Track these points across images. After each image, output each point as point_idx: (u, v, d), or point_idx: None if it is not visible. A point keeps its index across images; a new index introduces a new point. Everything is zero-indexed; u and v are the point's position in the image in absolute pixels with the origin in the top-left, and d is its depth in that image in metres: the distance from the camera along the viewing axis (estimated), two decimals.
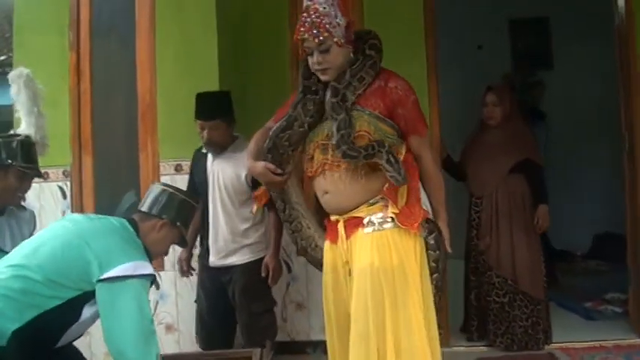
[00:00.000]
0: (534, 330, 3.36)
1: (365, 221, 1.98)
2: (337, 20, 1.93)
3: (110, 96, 3.54)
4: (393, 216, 1.96)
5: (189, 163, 3.21)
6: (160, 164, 3.31)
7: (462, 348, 3.46)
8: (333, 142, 1.96)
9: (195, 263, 3.06)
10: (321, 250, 2.15)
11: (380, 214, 1.97)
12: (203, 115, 2.80)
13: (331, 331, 2.11)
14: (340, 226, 2.02)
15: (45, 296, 1.81)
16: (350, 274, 2.02)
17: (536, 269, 3.39)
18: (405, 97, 1.99)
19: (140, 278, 1.86)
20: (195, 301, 3.05)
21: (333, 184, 2.01)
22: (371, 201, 1.99)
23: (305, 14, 1.95)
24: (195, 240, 3.02)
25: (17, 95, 2.42)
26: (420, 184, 2.07)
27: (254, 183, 2.69)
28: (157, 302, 3.32)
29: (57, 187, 3.40)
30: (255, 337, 2.76)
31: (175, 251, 3.10)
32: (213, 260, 2.88)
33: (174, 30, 3.33)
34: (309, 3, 1.96)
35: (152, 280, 1.94)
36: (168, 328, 3.33)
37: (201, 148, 2.97)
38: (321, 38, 1.92)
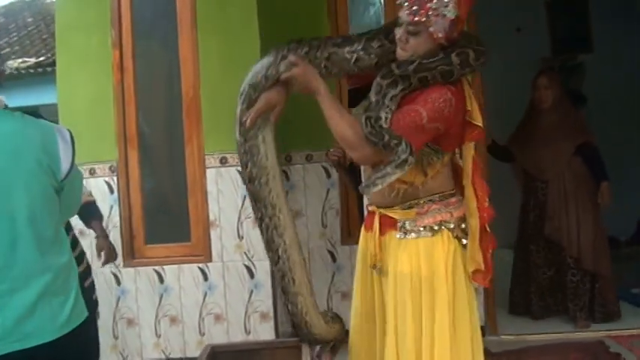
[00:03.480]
0: (613, 302, 3.53)
1: (399, 225, 1.82)
2: (445, 11, 1.69)
3: (154, 91, 3.56)
4: (427, 225, 1.78)
5: (234, 155, 3.24)
6: (205, 157, 3.34)
7: (511, 337, 3.45)
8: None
9: None
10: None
11: (413, 222, 1.80)
12: None
13: (355, 323, 2.01)
14: (376, 220, 1.88)
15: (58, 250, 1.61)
16: (375, 268, 1.89)
17: (604, 246, 3.56)
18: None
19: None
20: None
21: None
22: (406, 204, 1.81)
23: None
24: None
25: None
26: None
27: None
28: (206, 293, 3.36)
29: (104, 182, 3.44)
30: None
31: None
32: None
33: (216, 24, 3.34)
34: None
35: None
36: (217, 318, 3.37)
37: None
38: (415, 19, 1.69)
